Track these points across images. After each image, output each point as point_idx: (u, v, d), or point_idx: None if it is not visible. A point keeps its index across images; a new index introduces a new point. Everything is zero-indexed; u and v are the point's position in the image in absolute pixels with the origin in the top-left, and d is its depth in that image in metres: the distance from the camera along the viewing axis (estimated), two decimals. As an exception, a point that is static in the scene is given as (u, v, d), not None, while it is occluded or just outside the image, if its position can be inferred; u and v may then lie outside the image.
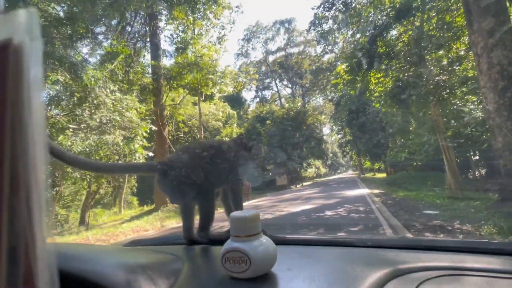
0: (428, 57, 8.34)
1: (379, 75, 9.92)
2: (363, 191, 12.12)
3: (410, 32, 8.67)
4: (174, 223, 8.92)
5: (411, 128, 10.36)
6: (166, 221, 9.29)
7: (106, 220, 11.95)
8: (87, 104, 8.13)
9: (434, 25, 8.19)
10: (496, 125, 5.06)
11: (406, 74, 8.78)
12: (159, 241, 1.04)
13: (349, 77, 11.01)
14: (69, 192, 11.51)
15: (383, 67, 9.47)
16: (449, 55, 8.23)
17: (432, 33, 8.25)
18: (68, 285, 0.60)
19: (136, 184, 17.29)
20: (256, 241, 0.57)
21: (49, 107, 9.18)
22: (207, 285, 0.57)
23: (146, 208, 14.59)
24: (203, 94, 14.56)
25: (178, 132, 17.68)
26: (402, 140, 13.24)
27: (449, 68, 8.16)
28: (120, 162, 8.71)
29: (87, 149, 7.53)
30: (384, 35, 9.22)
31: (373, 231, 3.90)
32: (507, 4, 5.65)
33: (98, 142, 7.80)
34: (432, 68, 8.28)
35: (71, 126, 7.85)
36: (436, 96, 8.13)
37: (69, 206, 11.87)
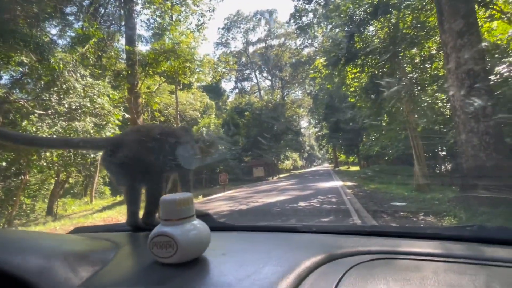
0: (402, 54, 8.60)
1: (355, 70, 10.13)
2: (337, 183, 12.47)
3: (386, 29, 8.88)
4: (148, 214, 8.75)
5: (383, 123, 10.70)
6: (140, 211, 9.10)
7: (76, 210, 11.50)
8: (55, 88, 7.67)
9: (409, 23, 8.42)
10: (461, 121, 5.33)
11: (380, 71, 9.01)
12: (105, 228, 1.01)
13: (327, 71, 11.16)
14: (35, 180, 10.93)
15: (360, 62, 9.66)
16: (422, 54, 8.53)
17: (407, 31, 8.49)
18: None
19: (108, 174, 16.76)
20: (187, 224, 0.55)
21: (13, 91, 8.60)
22: (131, 272, 0.55)
23: (118, 198, 14.20)
24: (181, 82, 14.22)
25: (154, 121, 17.22)
26: (375, 134, 13.68)
27: (421, 66, 8.47)
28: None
29: (55, 136, 7.15)
30: (362, 30, 9.37)
31: (343, 221, 4.03)
32: (476, 7, 5.91)
33: (67, 129, 7.41)
34: (405, 65, 8.55)
35: (37, 111, 7.40)
36: (408, 93, 8.42)
37: (35, 195, 11.29)
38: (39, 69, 7.66)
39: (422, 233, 0.71)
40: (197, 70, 13.49)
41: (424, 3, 8.17)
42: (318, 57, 18.36)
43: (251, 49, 42.88)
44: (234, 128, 22.74)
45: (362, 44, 9.42)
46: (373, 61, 9.44)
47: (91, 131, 7.79)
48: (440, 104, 8.92)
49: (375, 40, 9.42)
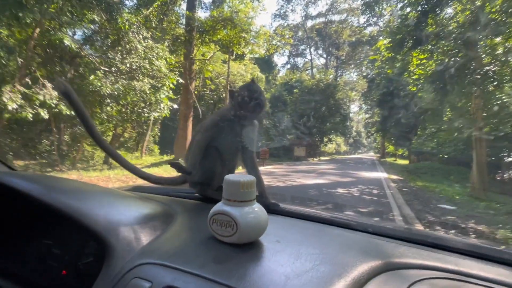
0: (482, 43, 7.56)
1: (422, 56, 9.20)
2: (381, 174, 11.92)
3: (468, 12, 7.80)
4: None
5: (445, 118, 9.76)
6: (183, 173, 9.67)
7: (128, 163, 12.59)
8: (120, 48, 8.18)
9: (498, 6, 7.29)
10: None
11: (453, 59, 8.07)
12: (163, 191, 1.04)
13: (389, 54, 10.31)
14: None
15: (429, 48, 8.74)
16: (507, 44, 7.41)
17: (493, 16, 7.38)
18: (50, 218, 0.64)
19: (159, 134, 17.86)
20: (247, 207, 0.55)
21: (84, 46, 9.35)
22: (189, 244, 0.57)
23: (166, 157, 15.17)
24: (234, 52, 14.23)
25: (204, 89, 17.69)
26: (432, 129, 12.60)
27: (503, 59, 7.39)
28: (145, 109, 8.92)
29: (115, 93, 7.72)
30: (437, 12, 8.37)
31: (382, 216, 3.86)
32: None
33: (127, 87, 7.95)
34: (483, 56, 7.53)
35: (102, 68, 8.00)
36: (482, 88, 7.50)
37: (95, 144, 12.52)
38: (107, 28, 8.18)
39: (499, 257, 0.61)
40: (252, 41, 13.34)
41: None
42: (381, 38, 16.97)
43: (309, 23, 41.04)
44: (281, 104, 22.51)
45: (435, 27, 8.44)
46: (445, 48, 8.46)
47: (148, 92, 8.26)
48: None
49: (452, 24, 8.37)
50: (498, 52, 7.49)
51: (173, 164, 0.91)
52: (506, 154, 11.30)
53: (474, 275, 0.52)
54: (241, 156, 0.96)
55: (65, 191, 0.63)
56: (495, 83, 7.54)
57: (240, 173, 0.58)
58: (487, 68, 7.36)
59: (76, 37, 9.09)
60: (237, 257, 0.51)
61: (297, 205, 0.97)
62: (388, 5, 13.31)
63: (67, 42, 6.63)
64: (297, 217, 0.83)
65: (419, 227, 3.82)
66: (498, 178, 12.42)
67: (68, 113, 7.04)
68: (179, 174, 0.96)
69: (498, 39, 7.44)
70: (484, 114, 8.35)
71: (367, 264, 0.51)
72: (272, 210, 0.84)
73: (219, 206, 0.56)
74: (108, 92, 7.45)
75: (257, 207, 0.57)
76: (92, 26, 8.40)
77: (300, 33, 41.12)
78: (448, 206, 5.62)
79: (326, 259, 0.53)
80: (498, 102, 7.76)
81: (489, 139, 8.22)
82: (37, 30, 6.79)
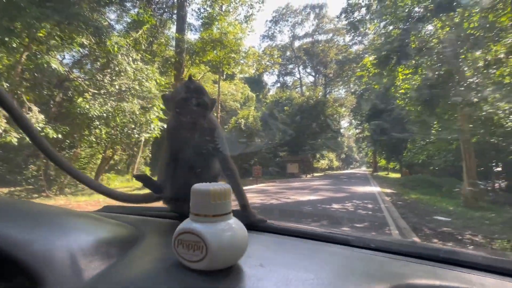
0: (463, 57, 7.85)
1: (407, 71, 9.48)
2: (374, 188, 11.91)
3: (448, 29, 8.14)
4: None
5: (433, 131, 9.93)
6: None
7: (118, 185, 12.31)
8: (109, 70, 8.20)
9: (475, 23, 7.63)
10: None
11: (436, 73, 8.32)
12: (134, 210, 0.93)
13: (376, 70, 10.59)
14: (85, 154, 11.86)
15: (413, 63, 9.02)
16: (487, 57, 7.71)
17: (471, 31, 7.71)
18: None
19: (150, 155, 17.66)
20: (221, 223, 0.45)
21: (73, 70, 9.34)
22: (148, 273, 0.46)
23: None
24: (224, 72, 14.44)
25: (196, 109, 17.73)
26: (422, 142, 12.78)
27: (485, 71, 7.66)
28: (135, 130, 8.83)
29: (105, 114, 7.65)
30: (419, 29, 8.71)
31: (378, 230, 3.80)
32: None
33: (116, 109, 7.89)
34: (466, 69, 7.79)
35: (91, 90, 7.96)
36: (466, 100, 7.70)
37: (84, 168, 12.25)
38: (96, 51, 8.22)
39: None
40: (241, 61, 13.60)
41: (496, 2, 7.34)
42: (367, 55, 17.51)
43: (297, 43, 42.24)
44: (272, 122, 22.69)
45: (417, 44, 8.76)
46: (428, 63, 8.75)
47: (137, 113, 8.21)
48: (502, 115, 8.04)
49: (434, 40, 8.70)
50: (479, 65, 7.77)
51: (139, 177, 0.77)
52: (494, 163, 11.50)
53: None
54: (219, 164, 0.86)
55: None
56: (479, 95, 7.75)
57: (211, 183, 0.48)
58: (470, 80, 7.60)
59: (64, 61, 9.11)
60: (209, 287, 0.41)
61: (289, 221, 0.85)
62: (372, 24, 13.82)
63: (54, 65, 6.61)
64: (285, 234, 0.72)
65: (417, 240, 3.76)
66: (489, 188, 12.55)
67: (55, 136, 6.91)
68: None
69: (478, 53, 7.74)
70: (471, 126, 8.54)
71: (376, 287, 0.43)
72: (254, 226, 0.72)
73: (185, 223, 0.46)
74: (96, 114, 7.37)
75: (234, 223, 0.47)
76: (81, 50, 8.43)
77: (288, 53, 42.19)
78: (443, 217, 5.60)
79: (324, 284, 0.44)
80: (483, 114, 7.97)
81: (477, 150, 8.36)
82: (25, 54, 6.77)
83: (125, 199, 0.91)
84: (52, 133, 6.75)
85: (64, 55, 9.28)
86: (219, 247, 0.42)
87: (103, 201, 7.95)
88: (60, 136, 7.20)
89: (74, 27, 7.44)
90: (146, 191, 0.87)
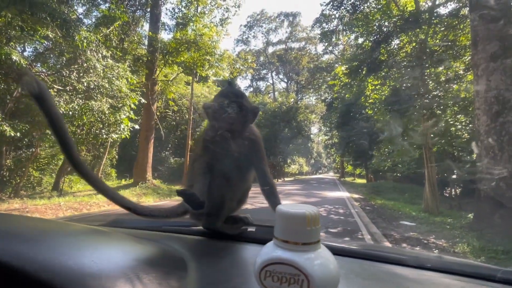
0: (427, 71, 8.40)
1: (376, 82, 9.95)
2: (343, 194, 12.29)
3: (414, 44, 8.68)
4: (151, 201, 8.75)
5: (399, 139, 10.49)
6: (143, 198, 9.11)
7: (81, 188, 11.59)
8: (76, 66, 7.73)
9: (438, 40, 8.22)
10: (484, 147, 5.15)
11: (404, 85, 8.82)
12: (152, 225, 0.83)
13: (347, 80, 11.00)
14: (45, 154, 11.04)
15: (382, 74, 9.48)
16: (448, 73, 8.31)
17: (435, 48, 8.29)
18: None
19: (116, 157, 16.86)
20: (316, 252, 0.38)
21: (35, 64, 8.69)
22: None
23: (124, 182, 14.29)
24: (198, 74, 14.22)
25: (167, 110, 17.29)
26: (387, 149, 13.43)
27: (446, 85, 8.25)
28: (103, 130, 8.39)
29: (70, 113, 7.18)
30: (388, 42, 9.19)
31: (352, 235, 3.91)
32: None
33: (83, 107, 7.44)
34: (429, 82, 8.34)
35: (55, 86, 7.45)
36: (429, 111, 8.22)
37: (44, 169, 11.41)
38: (62, 45, 7.71)
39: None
40: (216, 64, 13.46)
41: (457, 22, 7.96)
42: (338, 65, 18.15)
43: (270, 49, 42.85)
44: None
45: (386, 56, 9.24)
46: (396, 75, 9.25)
47: (107, 112, 7.81)
48: (459, 127, 8.69)
49: (401, 53, 9.22)
50: (441, 79, 8.35)
51: (182, 193, 0.67)
52: (452, 172, 12.35)
53: None
54: (257, 178, 0.82)
55: (9, 233, 0.42)
56: (440, 107, 8.33)
57: (293, 204, 0.42)
58: (434, 93, 8.13)
59: (26, 53, 8.47)
60: None
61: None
62: (343, 35, 14.36)
63: (15, 57, 6.11)
64: (357, 256, 0.68)
65: (387, 244, 3.92)
66: (446, 195, 13.45)
67: (12, 134, 6.36)
68: (179, 203, 0.77)
69: (440, 68, 8.32)
70: (432, 135, 9.13)
71: None
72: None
73: (272, 252, 0.39)
74: (61, 111, 6.90)
75: (321, 250, 0.40)
76: (45, 43, 7.87)
77: (262, 58, 42.64)
78: (408, 222, 5.90)
79: None
80: (443, 125, 8.56)
81: (438, 158, 8.93)
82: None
83: (151, 214, 0.81)
84: (9, 131, 6.21)
85: (24, 47, 8.64)
86: (322, 279, 0.36)
87: (64, 204, 7.45)
88: (18, 134, 6.65)
89: (38, 18, 6.94)
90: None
